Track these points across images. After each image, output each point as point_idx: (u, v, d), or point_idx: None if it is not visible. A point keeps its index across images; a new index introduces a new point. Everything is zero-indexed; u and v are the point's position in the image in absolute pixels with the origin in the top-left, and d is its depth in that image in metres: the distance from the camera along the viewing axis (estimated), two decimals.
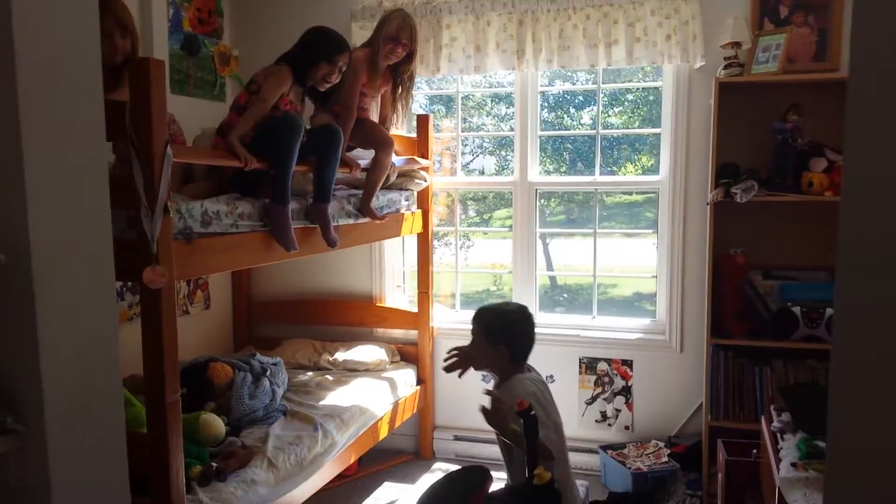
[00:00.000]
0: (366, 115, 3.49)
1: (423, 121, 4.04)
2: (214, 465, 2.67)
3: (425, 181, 3.95)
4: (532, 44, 3.75)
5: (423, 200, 4.07)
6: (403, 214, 3.84)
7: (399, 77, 3.57)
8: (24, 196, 1.11)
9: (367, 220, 3.42)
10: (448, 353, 2.70)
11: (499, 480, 2.54)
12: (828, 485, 1.12)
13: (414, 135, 4.07)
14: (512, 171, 4.16)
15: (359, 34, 3.98)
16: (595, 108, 4.22)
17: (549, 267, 6.68)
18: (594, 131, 4.10)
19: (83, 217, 1.24)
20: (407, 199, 3.89)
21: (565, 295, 6.84)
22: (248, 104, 2.84)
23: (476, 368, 2.68)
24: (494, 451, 3.84)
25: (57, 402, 1.17)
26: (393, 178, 3.74)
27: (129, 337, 2.34)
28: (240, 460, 2.78)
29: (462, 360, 2.64)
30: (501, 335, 2.51)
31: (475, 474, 2.35)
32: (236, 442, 2.92)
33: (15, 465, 1.14)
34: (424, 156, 4.02)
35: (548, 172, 6.30)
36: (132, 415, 2.75)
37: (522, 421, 2.26)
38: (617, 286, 6.72)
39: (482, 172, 5.91)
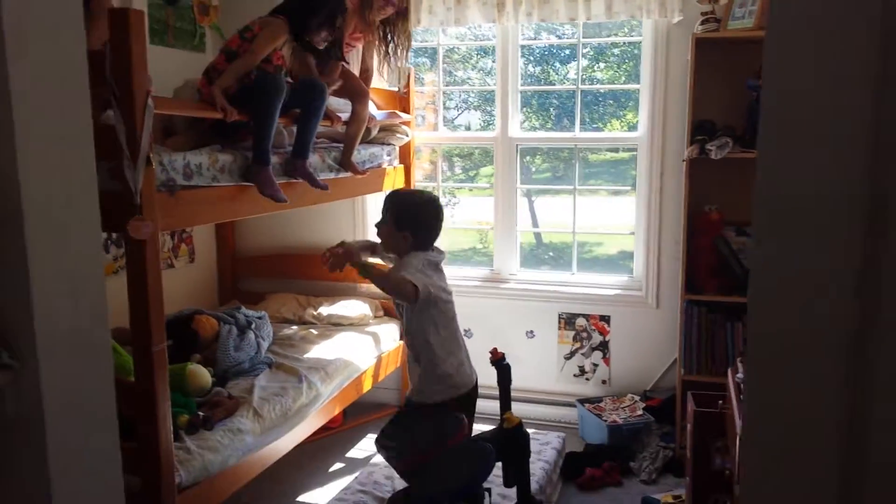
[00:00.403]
0: (344, 66, 3.49)
1: (404, 74, 4.04)
2: (201, 414, 2.73)
3: (407, 136, 3.97)
4: None
5: (405, 155, 4.08)
6: (385, 169, 3.86)
7: (390, 34, 3.56)
8: (14, 154, 1.14)
9: (348, 174, 3.44)
10: (328, 250, 2.76)
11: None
12: (745, 418, 1.20)
13: (396, 88, 4.06)
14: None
15: None
16: (581, 62, 4.24)
17: (535, 224, 6.72)
18: (575, 87, 4.12)
19: (71, 169, 1.28)
20: (388, 154, 3.91)
21: (551, 253, 6.89)
22: (240, 51, 2.82)
23: (383, 250, 2.83)
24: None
25: (48, 339, 1.22)
26: (374, 133, 3.76)
27: (114, 289, 2.35)
28: (226, 410, 2.84)
29: (343, 256, 2.70)
30: (408, 222, 2.60)
31: (452, 418, 2.43)
32: (223, 392, 2.98)
33: (11, 397, 1.20)
34: (406, 110, 4.03)
35: (534, 128, 6.32)
36: (118, 363, 2.80)
37: (496, 369, 2.36)
38: (603, 244, 6.77)
39: (468, 128, 5.90)
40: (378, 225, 2.71)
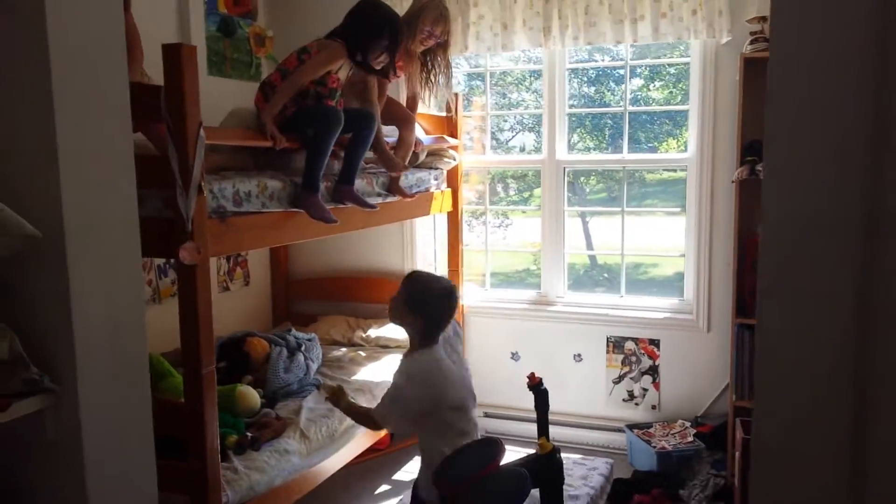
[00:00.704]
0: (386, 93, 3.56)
1: (452, 99, 4.09)
2: (249, 434, 2.79)
3: (454, 160, 4.01)
4: (558, 20, 3.77)
5: (453, 179, 4.13)
6: (433, 193, 3.91)
7: (431, 62, 3.62)
8: (58, 178, 1.22)
9: (396, 198, 3.50)
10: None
11: (511, 452, 2.62)
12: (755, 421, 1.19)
13: (444, 113, 4.12)
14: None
15: None
16: (635, 82, 4.22)
17: (589, 246, 6.68)
18: (622, 108, 4.10)
19: (111, 195, 1.35)
20: (436, 178, 3.96)
21: (605, 275, 6.84)
22: (294, 71, 2.90)
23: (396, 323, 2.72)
24: (522, 428, 3.95)
25: (87, 365, 1.29)
26: (422, 157, 3.81)
27: (171, 312, 2.45)
28: (274, 431, 2.90)
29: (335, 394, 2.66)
30: (419, 305, 2.51)
31: (489, 445, 2.42)
32: (271, 413, 3.04)
33: (51, 419, 1.26)
34: (454, 135, 4.07)
35: (588, 149, 6.30)
36: (172, 385, 2.90)
37: (534, 394, 2.35)
38: (659, 265, 6.67)
39: (523, 149, 5.92)
40: (393, 298, 2.64)
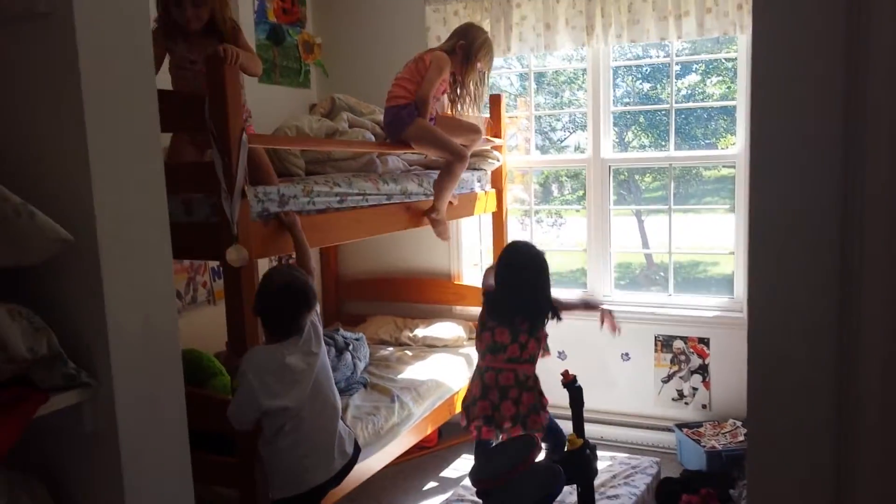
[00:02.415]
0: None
1: (495, 101, 4.11)
2: None
3: (498, 161, 4.04)
4: (601, 19, 3.76)
5: (497, 180, 4.15)
6: (476, 194, 3.94)
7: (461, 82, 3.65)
8: (90, 183, 1.30)
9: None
10: None
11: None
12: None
13: (487, 115, 4.15)
14: (611, 146, 4.16)
15: (432, 16, 4.10)
16: (691, 77, 4.16)
17: (645, 245, 6.62)
18: (667, 106, 4.06)
19: (141, 198, 1.43)
20: (479, 180, 3.99)
21: (661, 273, 6.76)
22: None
23: None
24: (569, 426, 3.93)
25: (122, 361, 1.37)
26: None
27: (223, 313, 2.55)
28: None
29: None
30: (259, 306, 2.41)
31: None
32: None
33: (89, 413, 1.35)
34: (497, 135, 4.10)
35: (643, 146, 6.24)
36: (221, 383, 3.01)
37: (568, 392, 2.36)
38: (718, 264, 6.55)
39: (577, 148, 5.90)
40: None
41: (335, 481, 2.47)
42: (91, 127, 1.29)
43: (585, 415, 2.74)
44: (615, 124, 4.18)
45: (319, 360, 2.47)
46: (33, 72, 1.33)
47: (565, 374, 2.55)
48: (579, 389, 2.44)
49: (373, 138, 3.53)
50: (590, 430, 3.91)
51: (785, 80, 1.05)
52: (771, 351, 1.16)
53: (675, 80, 4.10)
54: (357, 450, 2.54)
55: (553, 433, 2.77)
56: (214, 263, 3.74)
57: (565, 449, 2.49)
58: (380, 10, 4.33)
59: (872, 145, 1.00)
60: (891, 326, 1.05)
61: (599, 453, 3.01)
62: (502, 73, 4.74)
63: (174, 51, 2.79)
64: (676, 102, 4.24)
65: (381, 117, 3.59)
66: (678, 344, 3.94)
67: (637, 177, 6.39)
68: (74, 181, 1.31)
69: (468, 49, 3.47)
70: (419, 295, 4.43)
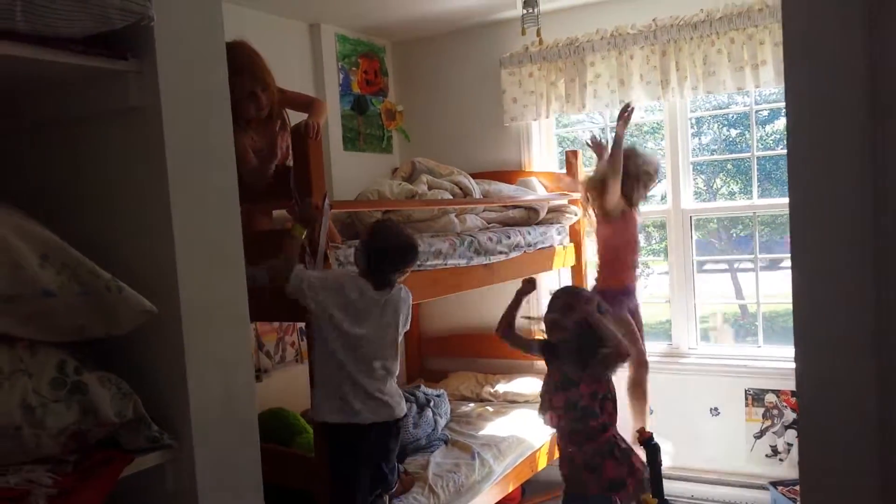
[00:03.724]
0: None
1: (572, 156, 4.15)
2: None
3: (576, 215, 4.05)
4: (676, 72, 3.76)
5: (575, 234, 4.16)
6: (555, 248, 3.95)
7: None
8: (174, 259, 1.42)
9: (520, 253, 3.57)
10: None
11: None
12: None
13: (563, 170, 4.18)
14: (697, 195, 4.12)
15: (508, 79, 4.20)
16: (779, 122, 4.10)
17: (739, 295, 6.45)
18: (750, 154, 4.00)
19: (221, 272, 1.54)
20: (559, 233, 4.01)
21: (756, 324, 6.51)
22: None
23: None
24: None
25: (202, 426, 1.46)
26: (543, 214, 3.88)
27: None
28: (403, 486, 3.01)
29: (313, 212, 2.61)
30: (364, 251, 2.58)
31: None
32: (400, 468, 3.16)
33: (171, 473, 1.44)
34: (575, 190, 4.12)
35: (732, 194, 6.11)
36: (305, 441, 3.10)
37: (645, 450, 2.31)
38: None
39: (663, 198, 5.85)
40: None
41: (358, 434, 2.53)
42: (175, 209, 1.42)
43: (674, 472, 2.67)
44: (702, 171, 4.13)
45: (388, 326, 2.62)
46: (124, 159, 1.47)
47: (641, 430, 2.50)
48: (656, 447, 2.38)
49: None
50: (680, 487, 3.80)
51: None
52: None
53: (758, 127, 4.04)
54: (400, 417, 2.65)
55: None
56: (301, 324, 3.87)
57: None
58: (457, 76, 4.48)
59: None
60: None
61: None
62: (585, 125, 4.78)
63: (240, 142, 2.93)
64: (764, 149, 4.17)
65: (459, 178, 3.66)
66: (770, 397, 3.79)
67: (727, 224, 6.25)
68: (159, 258, 1.43)
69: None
70: (499, 350, 4.41)
